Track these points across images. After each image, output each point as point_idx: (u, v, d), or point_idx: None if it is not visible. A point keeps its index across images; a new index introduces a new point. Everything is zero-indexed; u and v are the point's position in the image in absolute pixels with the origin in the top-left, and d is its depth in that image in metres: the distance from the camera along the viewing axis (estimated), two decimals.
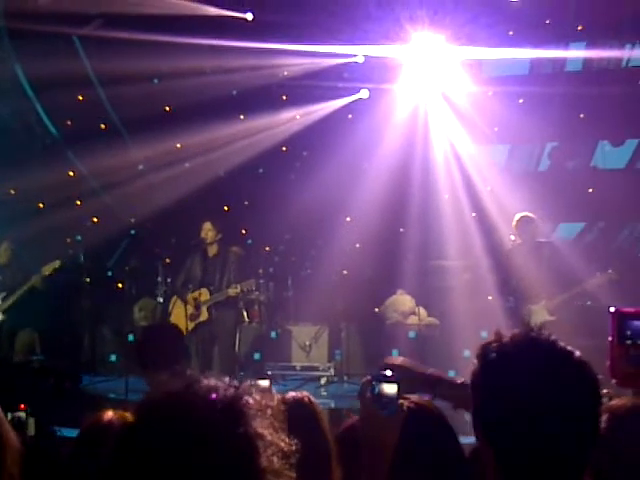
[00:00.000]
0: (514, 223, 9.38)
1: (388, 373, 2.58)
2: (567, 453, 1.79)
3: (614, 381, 2.17)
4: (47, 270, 10.11)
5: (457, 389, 2.87)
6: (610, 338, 2.17)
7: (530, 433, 1.80)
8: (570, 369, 1.84)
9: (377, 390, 2.53)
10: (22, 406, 3.84)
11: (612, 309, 2.19)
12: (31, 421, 3.85)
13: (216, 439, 1.44)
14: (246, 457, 1.45)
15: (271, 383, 4.05)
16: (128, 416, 2.98)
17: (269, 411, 1.57)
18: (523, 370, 1.84)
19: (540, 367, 1.84)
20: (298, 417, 2.79)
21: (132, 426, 1.51)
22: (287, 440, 1.55)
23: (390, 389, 2.53)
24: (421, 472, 2.71)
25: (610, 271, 9.20)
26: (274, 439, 1.51)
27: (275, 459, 1.49)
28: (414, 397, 2.76)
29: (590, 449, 1.82)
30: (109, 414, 3.08)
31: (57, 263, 10.19)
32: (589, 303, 10.21)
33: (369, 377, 2.58)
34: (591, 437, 1.83)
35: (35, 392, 3.81)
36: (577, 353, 1.87)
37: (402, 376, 2.85)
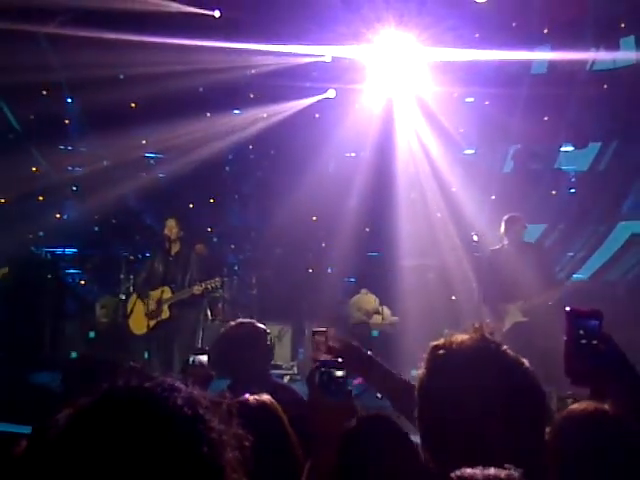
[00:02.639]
0: (503, 223, 9.31)
1: (338, 360, 2.58)
2: (507, 461, 1.79)
3: (570, 380, 2.19)
4: None
5: (389, 378, 2.88)
6: (565, 337, 2.20)
7: (467, 439, 1.79)
8: (515, 378, 1.84)
9: (326, 376, 2.52)
10: None
11: (567, 309, 2.22)
12: None
13: (179, 437, 1.41)
14: (209, 454, 1.43)
15: (209, 358, 4.02)
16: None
17: (223, 407, 1.56)
18: (467, 376, 1.83)
19: (485, 375, 1.83)
20: (262, 421, 2.75)
21: (83, 415, 1.47)
22: (241, 434, 1.54)
23: (339, 375, 2.53)
24: None
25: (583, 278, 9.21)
26: (230, 434, 1.50)
27: (233, 454, 1.48)
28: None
29: (533, 458, 1.81)
30: (67, 412, 3.01)
31: (5, 270, 10.10)
32: (566, 307, 10.28)
33: (317, 363, 2.57)
34: (533, 446, 1.82)
35: None
36: (526, 363, 1.87)
37: (343, 352, 2.86)
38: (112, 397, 1.47)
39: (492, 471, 1.52)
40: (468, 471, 1.52)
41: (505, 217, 9.22)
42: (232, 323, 4.62)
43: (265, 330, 4.71)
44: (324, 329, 3.42)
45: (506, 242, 9.15)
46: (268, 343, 4.71)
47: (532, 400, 1.85)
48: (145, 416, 1.42)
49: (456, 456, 1.79)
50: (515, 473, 1.52)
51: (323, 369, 2.55)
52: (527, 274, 8.75)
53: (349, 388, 2.55)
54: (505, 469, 1.54)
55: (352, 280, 12.66)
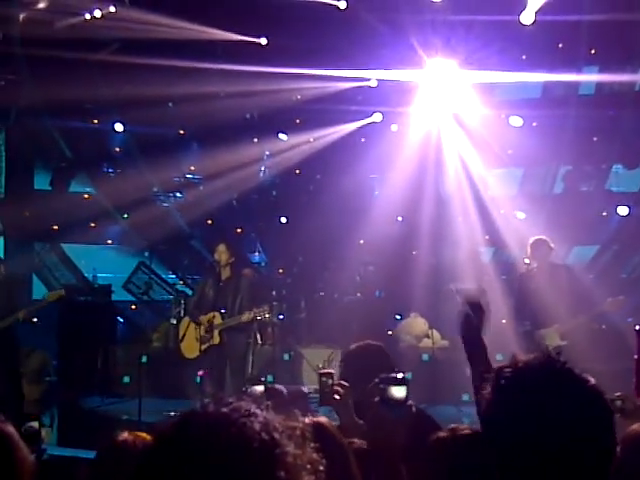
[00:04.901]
0: (528, 247, 9.26)
1: (399, 375, 2.55)
2: (575, 477, 1.78)
3: None
4: (51, 297, 9.74)
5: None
6: (636, 356, 2.17)
7: (540, 461, 1.77)
8: (585, 397, 1.83)
9: (385, 393, 2.50)
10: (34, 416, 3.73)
11: (637, 327, 2.19)
12: (46, 432, 3.72)
13: (256, 462, 1.43)
14: (286, 479, 1.44)
15: (266, 389, 4.02)
16: (145, 437, 2.96)
17: (297, 431, 1.57)
18: (537, 396, 1.82)
19: (555, 394, 1.82)
20: (320, 443, 2.68)
21: (167, 440, 1.48)
22: (316, 458, 1.55)
23: (399, 392, 2.50)
24: None
25: (622, 297, 9.04)
26: (305, 458, 1.51)
27: (309, 478, 1.49)
28: None
29: (604, 477, 1.80)
30: (125, 435, 3.03)
31: (62, 292, 9.95)
32: (604, 327, 10.15)
33: (377, 380, 2.55)
34: (603, 466, 1.81)
35: None
36: (592, 381, 1.86)
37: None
38: (190, 422, 1.48)
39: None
40: None
41: (530, 241, 9.12)
42: (361, 343, 4.56)
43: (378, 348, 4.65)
44: (331, 371, 3.44)
45: (534, 265, 9.04)
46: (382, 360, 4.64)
47: (601, 416, 1.83)
48: (223, 441, 1.43)
49: (526, 473, 1.79)
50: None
51: (382, 385, 2.53)
52: (559, 297, 8.61)
53: (409, 403, 2.53)
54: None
55: (401, 303, 12.59)
